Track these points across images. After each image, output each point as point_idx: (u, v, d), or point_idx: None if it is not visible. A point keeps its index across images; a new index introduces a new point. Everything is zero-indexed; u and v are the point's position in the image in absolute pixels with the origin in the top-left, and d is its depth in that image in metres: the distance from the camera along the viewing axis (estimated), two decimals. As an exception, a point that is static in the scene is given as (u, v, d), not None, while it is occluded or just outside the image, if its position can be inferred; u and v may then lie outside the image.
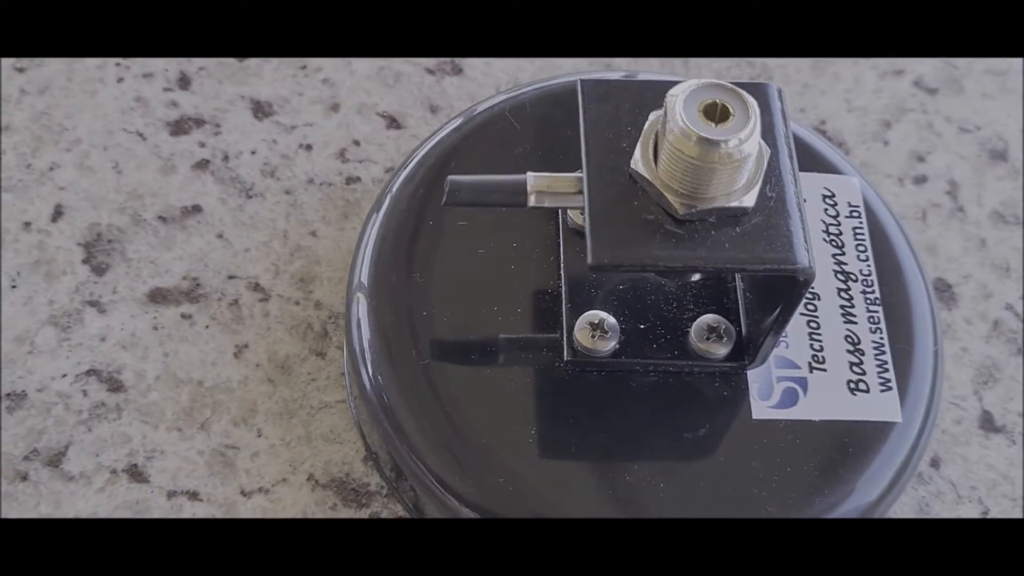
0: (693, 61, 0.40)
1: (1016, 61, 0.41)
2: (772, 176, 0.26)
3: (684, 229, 0.25)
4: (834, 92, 0.40)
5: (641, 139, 0.26)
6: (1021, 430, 0.34)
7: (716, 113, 0.24)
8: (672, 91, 0.25)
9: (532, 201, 0.27)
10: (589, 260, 0.25)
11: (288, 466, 0.32)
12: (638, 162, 0.26)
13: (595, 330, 0.30)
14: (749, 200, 0.25)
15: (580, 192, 0.26)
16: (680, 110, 0.24)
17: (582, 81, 0.27)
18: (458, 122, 0.34)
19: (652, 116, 0.26)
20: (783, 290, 0.27)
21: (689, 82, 0.25)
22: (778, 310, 0.28)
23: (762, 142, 0.26)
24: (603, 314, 0.30)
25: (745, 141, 0.24)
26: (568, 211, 0.31)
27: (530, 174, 0.27)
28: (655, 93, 0.27)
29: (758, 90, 0.27)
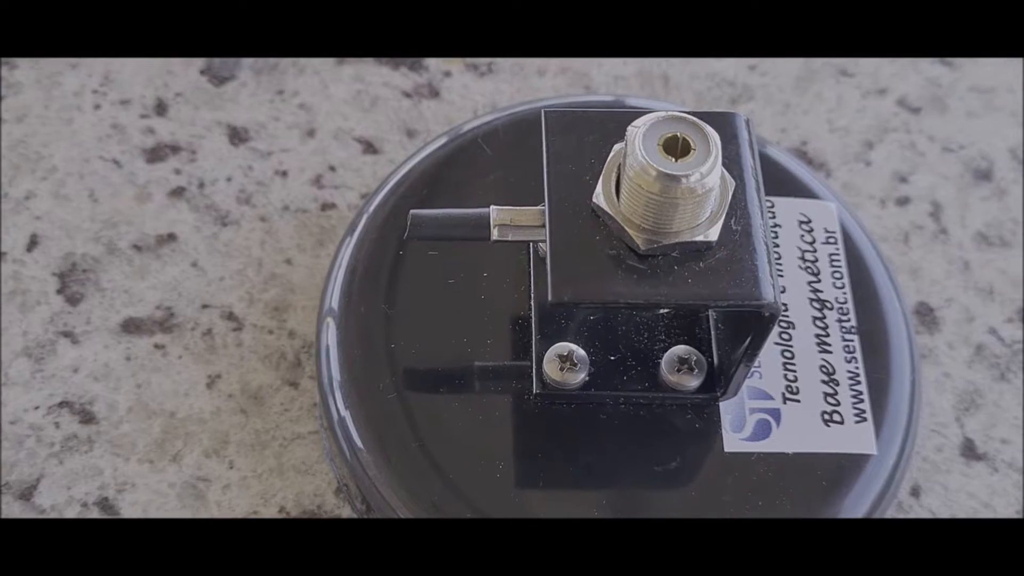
0: (674, 75, 0.40)
1: (1001, 79, 0.41)
2: (737, 209, 0.25)
3: (647, 264, 0.25)
4: (816, 112, 0.40)
5: (603, 172, 0.26)
6: (1003, 458, 0.33)
7: (677, 147, 0.24)
8: (633, 124, 0.24)
9: (495, 235, 0.27)
10: (549, 297, 0.24)
11: (260, 498, 0.32)
12: (600, 196, 0.25)
13: (564, 362, 0.29)
14: (713, 234, 0.25)
15: (543, 226, 0.26)
16: (640, 145, 0.24)
17: (546, 112, 0.27)
18: (430, 149, 0.34)
19: (615, 149, 0.26)
20: (751, 322, 0.26)
21: (650, 115, 0.24)
22: (748, 341, 0.27)
23: (727, 174, 0.25)
24: (572, 346, 0.30)
25: (707, 175, 0.24)
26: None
27: (493, 208, 0.27)
28: (619, 124, 0.26)
29: (724, 120, 0.27)
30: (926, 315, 0.36)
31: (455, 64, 0.40)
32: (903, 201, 0.38)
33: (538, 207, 0.26)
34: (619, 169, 0.25)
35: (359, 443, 0.30)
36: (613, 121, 0.27)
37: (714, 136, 0.24)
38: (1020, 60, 0.41)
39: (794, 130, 0.39)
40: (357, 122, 0.38)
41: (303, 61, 0.39)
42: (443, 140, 0.34)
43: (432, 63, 0.40)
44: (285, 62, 0.39)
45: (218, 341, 0.34)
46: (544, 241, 0.26)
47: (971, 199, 0.38)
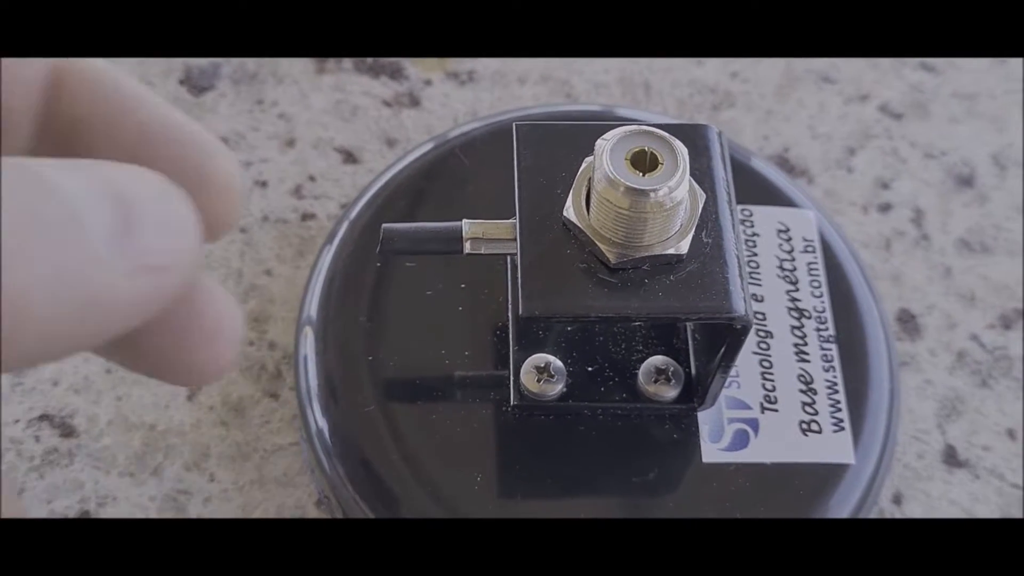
0: (655, 82, 0.40)
1: (983, 84, 0.41)
2: (708, 221, 0.25)
3: (618, 277, 0.25)
4: (798, 119, 0.40)
5: (573, 186, 0.26)
6: (985, 464, 0.33)
7: (645, 161, 0.24)
8: (603, 137, 0.24)
9: (468, 248, 0.27)
10: (520, 311, 0.24)
11: (240, 511, 0.32)
12: (570, 209, 0.25)
13: (541, 374, 0.29)
14: (683, 247, 0.25)
15: (515, 239, 0.26)
16: (607, 159, 0.24)
17: (517, 125, 0.27)
18: (410, 159, 0.34)
19: (585, 162, 0.26)
20: (725, 334, 0.26)
21: (619, 129, 0.24)
22: (722, 352, 0.27)
23: (697, 187, 0.25)
24: (550, 357, 0.30)
25: (675, 189, 0.24)
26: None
27: (465, 221, 0.27)
28: (590, 137, 0.26)
29: (696, 132, 0.27)
30: (908, 322, 0.36)
31: (434, 71, 0.40)
32: (885, 208, 0.38)
33: (510, 220, 0.26)
34: (589, 183, 0.25)
35: (338, 455, 0.30)
36: (584, 134, 0.27)
37: (682, 150, 0.24)
38: (1001, 65, 0.41)
39: (776, 137, 0.39)
40: (337, 131, 0.38)
41: (282, 71, 0.39)
42: (422, 150, 0.34)
43: (413, 72, 0.40)
44: (264, 72, 0.39)
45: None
46: (515, 254, 0.26)
47: (953, 205, 0.38)
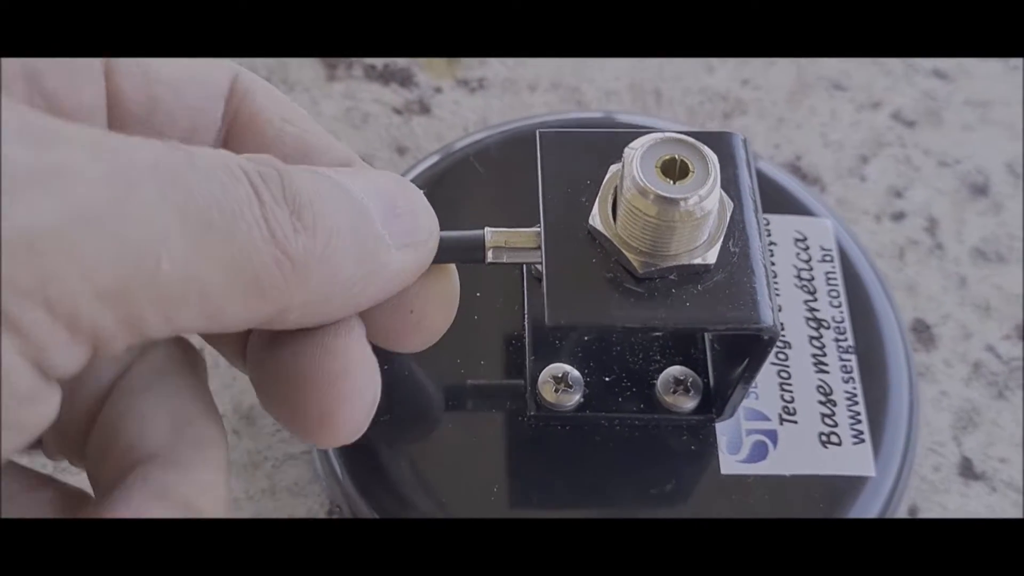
0: (666, 89, 0.40)
1: (997, 91, 0.40)
2: (735, 230, 0.25)
3: (644, 287, 0.24)
4: (810, 126, 0.39)
5: (599, 194, 0.25)
6: (1002, 477, 0.33)
7: (675, 169, 0.24)
8: (631, 145, 0.24)
9: (490, 257, 0.26)
10: (546, 321, 0.24)
11: (250, 521, 0.32)
12: (596, 218, 0.25)
13: (559, 384, 0.29)
14: (711, 257, 0.24)
15: (539, 248, 0.26)
16: (637, 167, 0.23)
17: (540, 133, 0.27)
18: (422, 167, 0.33)
19: (611, 170, 0.26)
20: (749, 345, 0.26)
21: (648, 136, 0.24)
22: (745, 363, 0.27)
23: (724, 195, 0.25)
24: (567, 367, 0.29)
25: (705, 198, 0.23)
26: (532, 262, 0.31)
27: (488, 229, 0.26)
28: (615, 145, 0.26)
29: (721, 140, 0.26)
30: (923, 332, 0.35)
31: (445, 78, 0.39)
32: (898, 216, 0.38)
33: (533, 229, 0.26)
34: (615, 191, 0.25)
35: (350, 464, 0.29)
36: (609, 141, 0.26)
37: (712, 158, 0.24)
38: (1014, 72, 0.41)
39: (788, 145, 0.39)
40: (348, 139, 0.38)
41: (293, 77, 0.39)
42: (435, 158, 0.34)
43: (423, 79, 0.39)
44: (275, 79, 0.39)
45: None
46: (539, 263, 0.26)
47: (967, 214, 0.38)
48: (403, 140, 0.38)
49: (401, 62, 0.40)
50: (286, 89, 0.39)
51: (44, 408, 0.18)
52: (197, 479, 0.22)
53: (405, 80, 0.39)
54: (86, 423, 0.23)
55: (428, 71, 0.40)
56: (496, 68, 0.40)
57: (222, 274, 0.18)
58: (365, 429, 0.23)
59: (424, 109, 0.39)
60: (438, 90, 0.39)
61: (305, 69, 0.39)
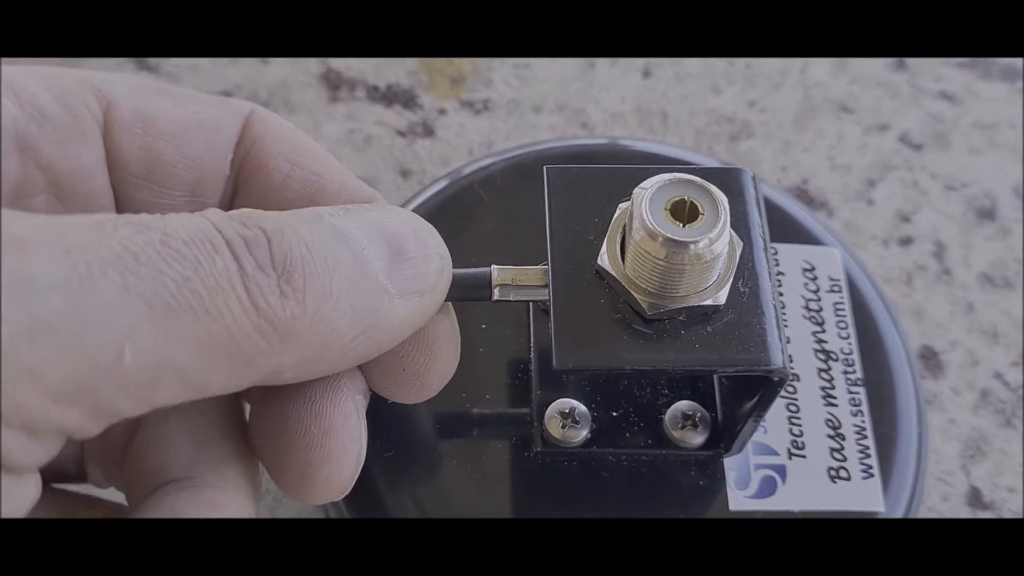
0: (672, 111, 0.39)
1: (1004, 114, 0.40)
2: (745, 269, 0.25)
3: (653, 328, 0.24)
4: (817, 149, 0.39)
5: (608, 234, 0.25)
6: (1010, 507, 0.33)
7: (685, 211, 0.23)
8: (640, 185, 0.24)
9: (496, 295, 0.26)
10: (554, 364, 0.24)
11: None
12: (604, 257, 0.25)
13: (566, 419, 0.29)
14: (721, 297, 0.24)
15: (546, 286, 0.25)
16: (647, 208, 0.23)
17: (547, 169, 0.26)
18: (427, 195, 0.33)
19: (620, 208, 0.25)
20: (759, 384, 0.26)
21: (657, 177, 0.24)
22: (755, 400, 0.26)
23: (734, 234, 0.25)
24: (574, 402, 0.29)
25: (715, 241, 0.23)
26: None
27: (494, 267, 0.26)
28: (623, 182, 0.25)
29: (730, 176, 0.26)
30: (931, 359, 0.35)
31: (449, 100, 0.39)
32: (906, 241, 0.37)
33: (540, 267, 0.26)
34: (624, 230, 0.25)
35: (358, 502, 0.29)
36: (617, 178, 0.26)
37: (723, 200, 0.23)
38: (1020, 94, 0.40)
39: (795, 168, 0.39)
40: (350, 162, 0.38)
41: (295, 99, 0.39)
42: (440, 185, 0.33)
43: (427, 100, 0.39)
44: (276, 100, 0.38)
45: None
46: (545, 301, 0.26)
47: (974, 239, 0.37)
48: (407, 163, 0.38)
49: (404, 83, 0.39)
50: (288, 111, 0.38)
51: (19, 496, 0.18)
52: (212, 499, 0.22)
53: (408, 102, 0.39)
54: (122, 451, 0.23)
55: (432, 92, 0.39)
56: (501, 89, 0.40)
57: (197, 353, 0.17)
58: (351, 487, 0.23)
59: (428, 131, 0.39)
60: (442, 112, 0.39)
61: (307, 90, 0.39)
